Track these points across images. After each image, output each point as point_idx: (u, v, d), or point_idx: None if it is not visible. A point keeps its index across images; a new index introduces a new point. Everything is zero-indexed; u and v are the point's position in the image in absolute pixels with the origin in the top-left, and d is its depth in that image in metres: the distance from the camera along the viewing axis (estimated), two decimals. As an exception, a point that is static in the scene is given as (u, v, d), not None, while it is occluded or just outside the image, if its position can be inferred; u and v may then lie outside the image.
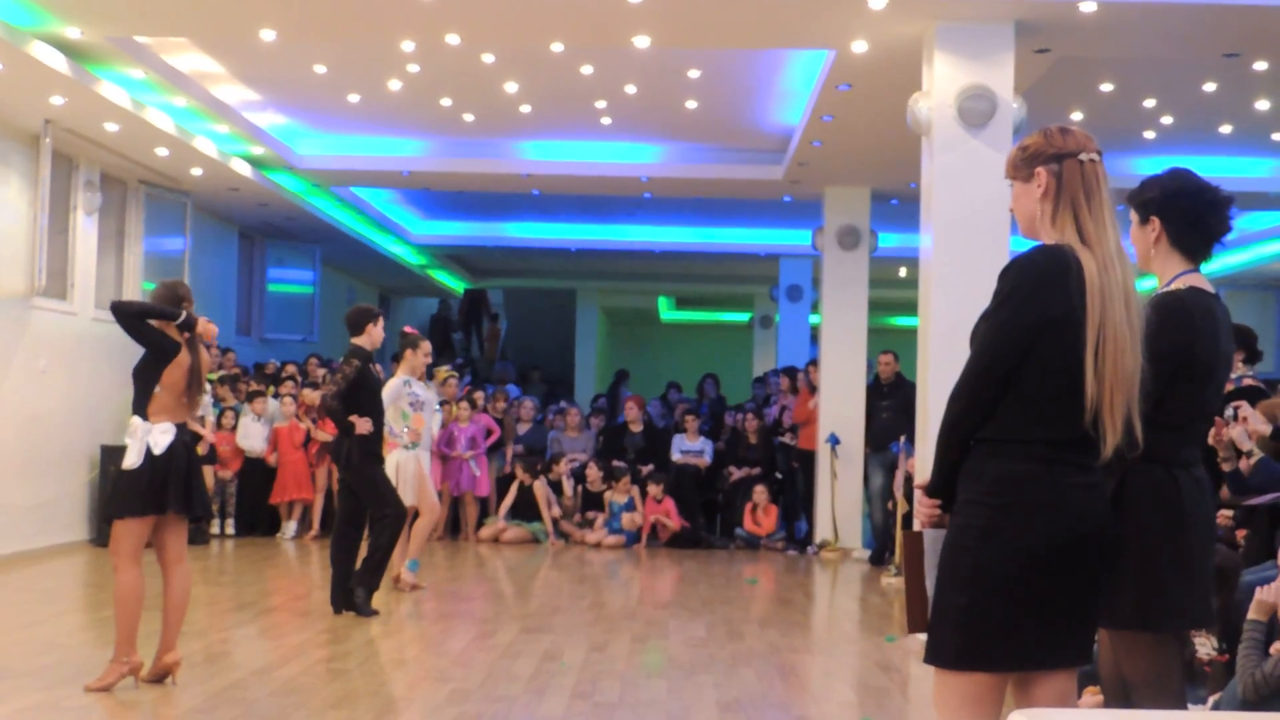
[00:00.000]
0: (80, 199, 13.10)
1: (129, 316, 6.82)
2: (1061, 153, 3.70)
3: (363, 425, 9.31)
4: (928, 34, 9.37)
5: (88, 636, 8.41)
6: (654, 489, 14.70)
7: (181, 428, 6.88)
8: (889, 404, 13.80)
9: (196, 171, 14.18)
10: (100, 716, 6.36)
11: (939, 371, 8.77)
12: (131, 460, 6.73)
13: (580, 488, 15.17)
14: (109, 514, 6.79)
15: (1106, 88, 11.79)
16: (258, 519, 14.55)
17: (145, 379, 6.84)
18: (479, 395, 15.48)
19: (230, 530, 14.48)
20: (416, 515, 10.54)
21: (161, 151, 13.17)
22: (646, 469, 15.16)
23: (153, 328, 6.79)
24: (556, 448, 15.81)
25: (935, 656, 3.69)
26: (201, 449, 13.82)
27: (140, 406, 6.82)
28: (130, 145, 12.84)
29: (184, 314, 6.85)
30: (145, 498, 6.72)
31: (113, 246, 14.16)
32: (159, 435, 6.77)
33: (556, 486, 15.07)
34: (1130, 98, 12.14)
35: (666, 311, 32.29)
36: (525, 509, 14.88)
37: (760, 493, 14.72)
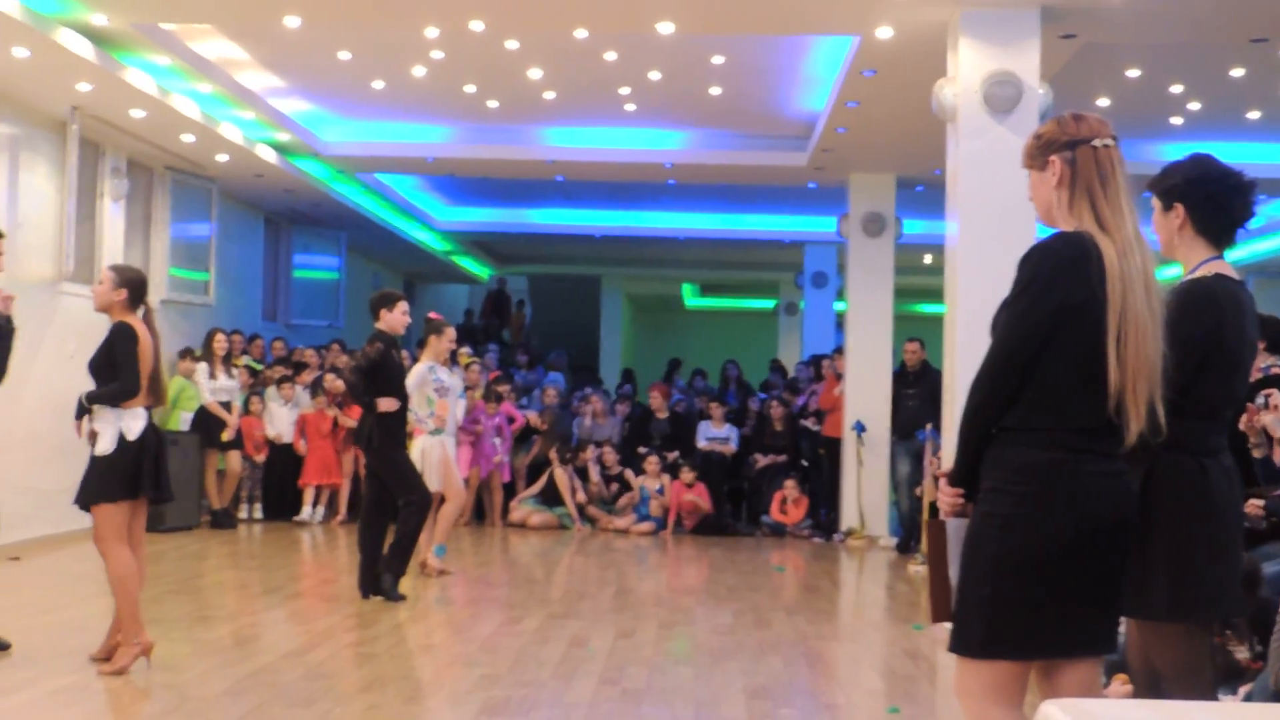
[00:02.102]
0: (107, 185, 13.17)
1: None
2: (1075, 139, 3.70)
3: (386, 404, 9.35)
4: (953, 19, 9.34)
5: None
6: (686, 474, 14.71)
7: (149, 412, 6.94)
8: (915, 391, 13.77)
9: (222, 158, 14.23)
10: (130, 699, 6.41)
11: (965, 359, 8.75)
12: (105, 446, 6.78)
13: (603, 474, 15.20)
14: (89, 501, 6.79)
15: (1133, 73, 11.74)
16: (285, 504, 14.60)
17: (105, 366, 6.87)
18: (504, 387, 15.49)
19: (258, 514, 14.56)
20: (443, 501, 10.59)
21: (187, 138, 13.22)
22: (672, 455, 15.18)
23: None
24: (583, 434, 15.84)
25: (959, 645, 3.70)
26: (228, 435, 13.92)
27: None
28: (156, 132, 12.89)
29: None
30: (122, 482, 6.79)
31: (140, 232, 14.23)
32: (131, 421, 6.84)
33: (583, 473, 15.10)
34: (1157, 83, 12.08)
35: (691, 298, 32.28)
36: (550, 495, 14.92)
37: (791, 486, 14.72)
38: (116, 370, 6.80)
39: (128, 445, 6.78)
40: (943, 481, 3.85)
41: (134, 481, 6.82)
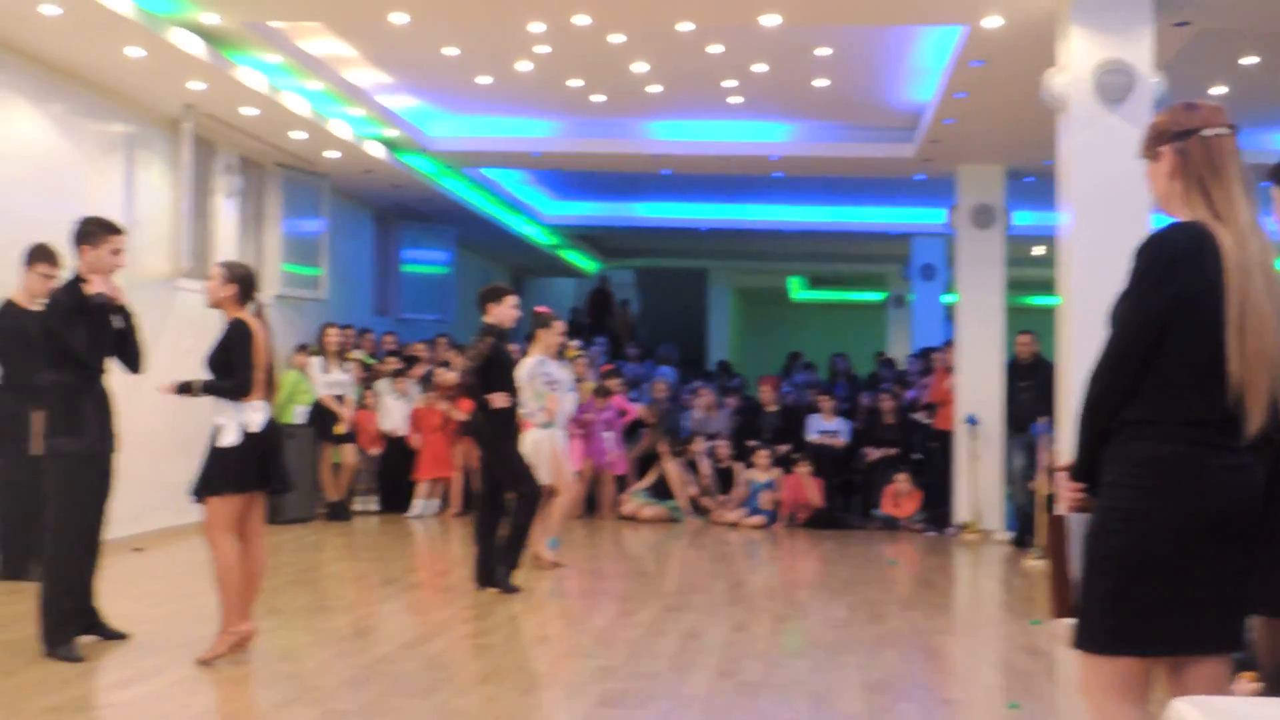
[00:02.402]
0: (220, 182, 13.39)
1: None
2: (1186, 129, 3.66)
3: (498, 399, 9.42)
4: (1063, 8, 9.21)
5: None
6: (802, 467, 14.67)
7: (268, 405, 7.04)
8: (1028, 385, 13.61)
9: (332, 154, 14.41)
10: (255, 687, 6.53)
11: (1080, 352, 8.63)
12: (230, 439, 6.87)
13: (714, 467, 15.21)
14: (206, 492, 6.88)
15: (1250, 61, 11.50)
16: (399, 496, 14.76)
17: (223, 362, 6.97)
18: (614, 381, 15.52)
19: (373, 507, 14.74)
20: (554, 494, 10.65)
21: (298, 135, 13.41)
22: (783, 449, 15.14)
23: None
24: (693, 427, 15.85)
25: (1082, 641, 3.66)
26: (342, 428, 14.11)
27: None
28: (268, 129, 13.08)
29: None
30: (243, 475, 6.89)
31: (252, 229, 14.46)
32: (252, 414, 6.93)
33: (693, 466, 15.12)
34: (1275, 71, 11.82)
35: (798, 291, 32.18)
36: (661, 488, 14.96)
37: (903, 480, 14.62)
38: (231, 367, 6.91)
39: (250, 438, 6.89)
40: (1063, 476, 3.82)
41: (254, 474, 6.93)
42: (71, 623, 6.94)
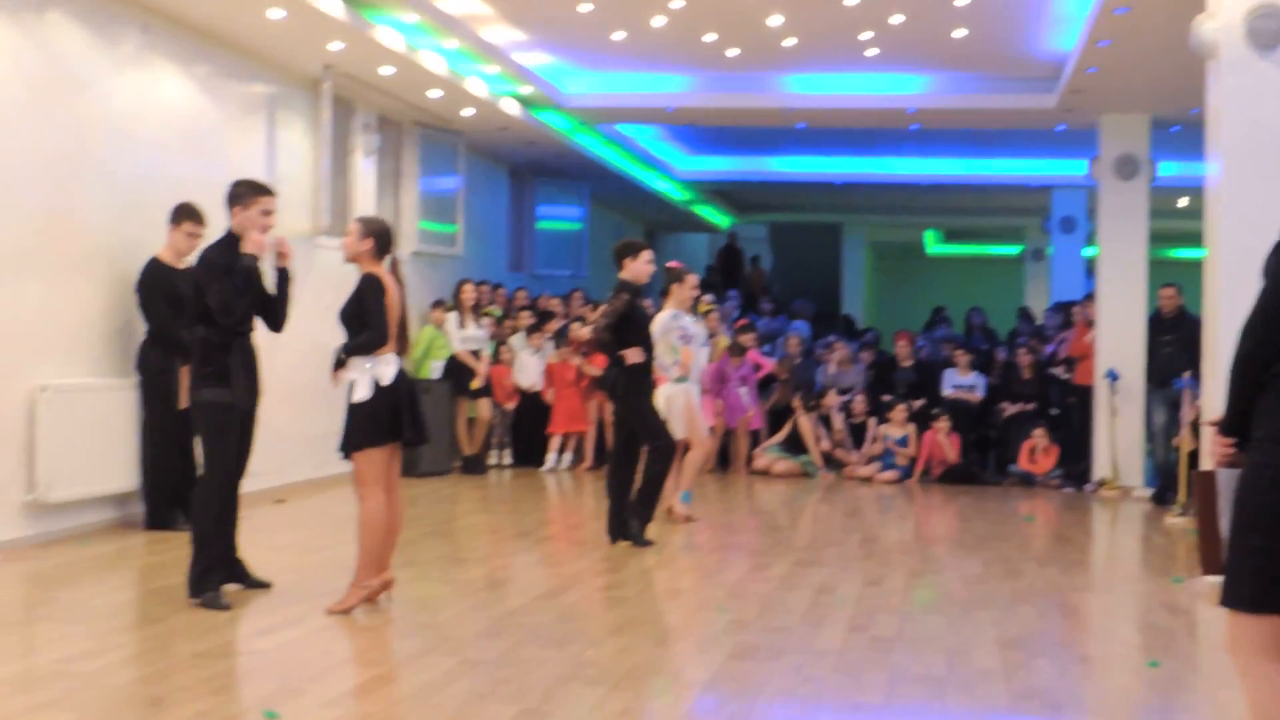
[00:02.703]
0: (359, 141, 13.55)
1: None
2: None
3: (633, 355, 9.43)
4: (1213, -50, 8.96)
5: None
6: (942, 422, 14.52)
7: (399, 359, 7.11)
8: (1171, 339, 13.32)
9: (468, 112, 14.51)
10: (393, 636, 6.65)
11: (1228, 305, 8.39)
12: (362, 394, 6.95)
13: (847, 422, 15.13)
14: (350, 447, 6.99)
15: None
16: (533, 450, 14.89)
17: (355, 316, 7.04)
18: (747, 336, 15.45)
19: (507, 461, 14.89)
20: (688, 448, 10.66)
21: (434, 93, 13.52)
22: (918, 403, 14.99)
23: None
24: (826, 382, 15.76)
25: (1230, 599, 3.60)
26: (477, 383, 14.25)
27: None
28: (405, 88, 13.20)
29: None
30: (380, 427, 6.97)
31: (390, 187, 14.63)
32: (383, 367, 7.00)
33: (826, 420, 15.05)
34: None
35: (933, 245, 31.83)
36: (794, 443, 14.92)
37: (1040, 435, 14.41)
38: (365, 319, 7.00)
39: (382, 391, 6.97)
40: (1213, 431, 3.74)
41: (390, 425, 7.02)
42: (217, 571, 7.10)
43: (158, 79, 10.31)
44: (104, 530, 9.37)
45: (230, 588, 7.25)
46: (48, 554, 8.46)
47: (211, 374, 7.06)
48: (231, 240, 7.22)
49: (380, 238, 7.17)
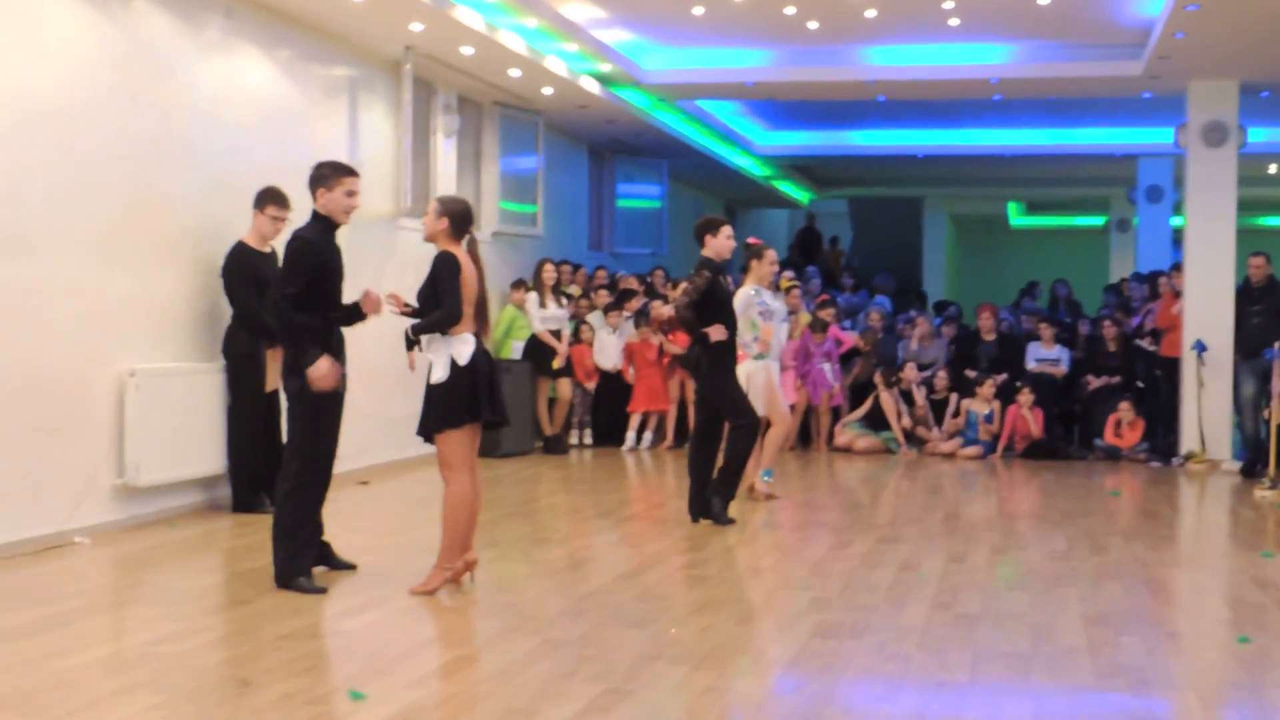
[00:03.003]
0: (440, 122, 13.59)
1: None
2: None
3: (716, 332, 9.41)
4: (1306, -90, 8.76)
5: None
6: (1025, 396, 14.36)
7: (479, 337, 7.10)
8: (1260, 308, 13.11)
9: (547, 91, 14.52)
10: (476, 617, 6.68)
11: (1319, 273, 8.26)
12: (440, 374, 6.94)
13: (929, 397, 15.01)
14: (431, 429, 7.00)
15: None
16: (614, 430, 14.91)
17: (431, 295, 7.02)
18: (827, 312, 15.37)
19: (588, 440, 14.93)
20: (768, 425, 10.63)
21: (514, 73, 13.54)
22: (1001, 378, 14.84)
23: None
24: (908, 357, 15.64)
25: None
26: (558, 362, 14.29)
27: None
28: (485, 68, 13.23)
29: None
30: (461, 407, 6.95)
31: (470, 167, 14.68)
32: (460, 346, 6.97)
33: (908, 396, 14.95)
34: None
35: (1016, 217, 31.50)
36: (875, 419, 14.84)
37: (1126, 408, 14.23)
38: (439, 298, 7.00)
39: (460, 371, 6.95)
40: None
41: (469, 406, 7.01)
42: (307, 554, 7.14)
43: (241, 63, 10.41)
44: (191, 513, 9.51)
45: (317, 569, 7.31)
46: (136, 537, 8.59)
47: (301, 359, 7.05)
48: (320, 221, 7.23)
49: (456, 217, 7.15)
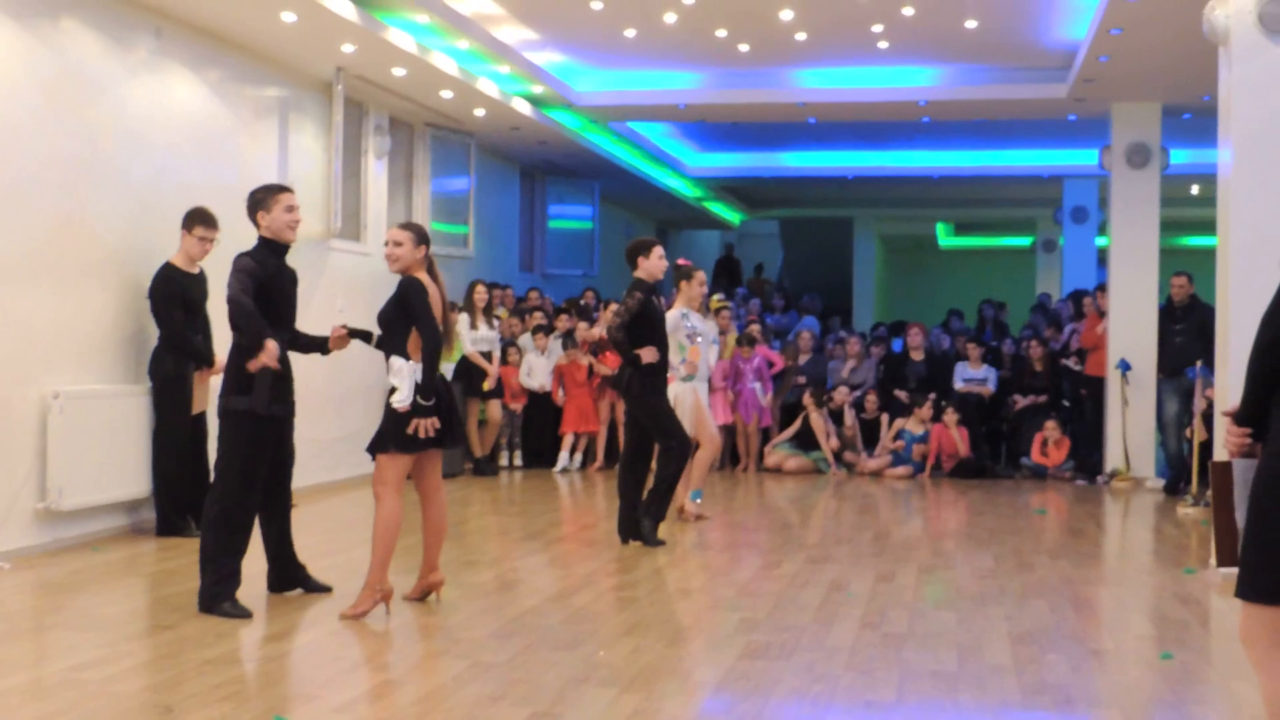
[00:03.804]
0: (371, 143, 13.55)
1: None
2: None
3: (648, 354, 9.42)
4: (1223, -62, 8.91)
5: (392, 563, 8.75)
6: (949, 416, 14.48)
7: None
8: (1182, 328, 13.30)
9: (479, 112, 14.51)
10: (402, 640, 6.64)
11: (1241, 293, 8.36)
12: (403, 398, 6.90)
13: (859, 417, 15.10)
14: (378, 448, 6.97)
15: None
16: (544, 451, 14.88)
17: (395, 319, 7.01)
18: (755, 328, 15.48)
19: (518, 462, 14.89)
20: (697, 447, 10.64)
21: (446, 94, 13.52)
22: (929, 398, 14.95)
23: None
24: (837, 378, 15.73)
25: (1246, 590, 3.58)
26: (489, 384, 14.25)
27: (398, 347, 6.98)
28: (416, 89, 13.20)
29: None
30: (415, 437, 6.90)
31: (402, 188, 14.64)
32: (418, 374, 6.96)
33: (837, 416, 15.02)
34: None
35: (945, 238, 31.78)
36: (805, 439, 14.89)
37: (1052, 428, 14.39)
38: (412, 324, 6.94)
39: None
40: (1228, 421, 3.72)
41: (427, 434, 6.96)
42: (232, 579, 7.02)
43: (170, 83, 10.33)
44: (115, 537, 9.39)
45: (293, 594, 7.34)
46: (59, 561, 8.48)
47: (237, 381, 6.99)
48: (266, 246, 7.19)
49: (428, 242, 7.21)
